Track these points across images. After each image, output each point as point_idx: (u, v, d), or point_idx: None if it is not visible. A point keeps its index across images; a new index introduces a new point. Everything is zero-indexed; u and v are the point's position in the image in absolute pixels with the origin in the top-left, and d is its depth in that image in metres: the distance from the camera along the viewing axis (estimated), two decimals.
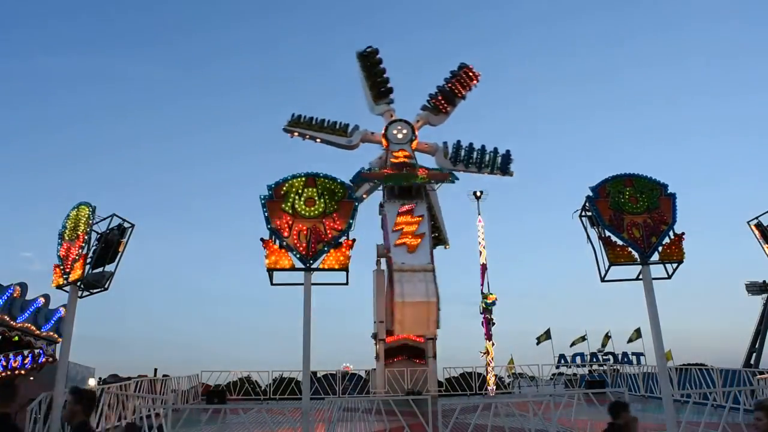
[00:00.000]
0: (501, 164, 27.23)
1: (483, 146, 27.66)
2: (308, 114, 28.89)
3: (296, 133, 28.26)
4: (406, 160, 26.01)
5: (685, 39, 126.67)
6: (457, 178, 25.74)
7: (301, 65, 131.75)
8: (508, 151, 27.59)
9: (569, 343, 36.78)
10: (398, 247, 19.32)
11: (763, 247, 13.45)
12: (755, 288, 46.41)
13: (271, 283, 11.70)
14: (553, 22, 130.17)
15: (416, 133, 28.31)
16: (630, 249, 11.57)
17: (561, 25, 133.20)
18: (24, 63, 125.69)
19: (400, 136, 27.94)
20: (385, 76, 29.53)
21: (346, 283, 11.52)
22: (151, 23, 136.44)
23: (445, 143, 28.35)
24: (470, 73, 29.91)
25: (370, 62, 29.43)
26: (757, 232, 13.54)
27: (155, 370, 31.51)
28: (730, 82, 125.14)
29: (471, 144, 27.69)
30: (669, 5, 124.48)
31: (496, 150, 27.66)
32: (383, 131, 28.48)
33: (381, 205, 25.51)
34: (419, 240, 19.54)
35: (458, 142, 27.71)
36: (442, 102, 29.29)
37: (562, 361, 35.16)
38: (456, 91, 29.49)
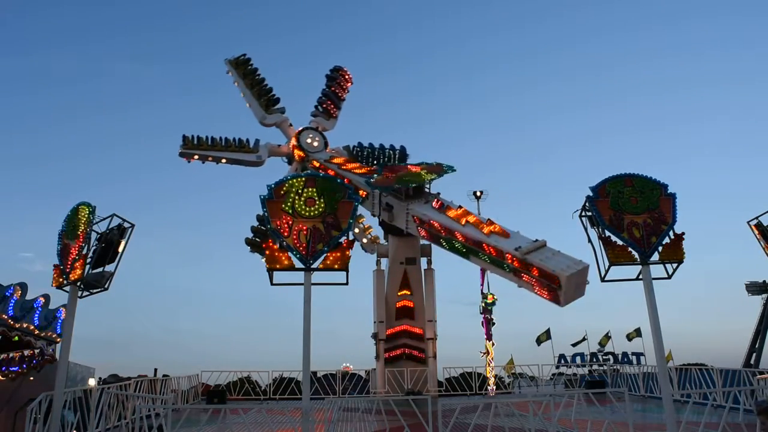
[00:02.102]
0: (398, 159, 27.67)
1: (381, 144, 28.12)
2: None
3: (195, 157, 25.70)
4: (351, 165, 26.29)
5: (687, 32, 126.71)
6: (455, 169, 25.62)
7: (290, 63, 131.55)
8: (402, 147, 28.34)
9: (570, 344, 36.87)
10: (492, 237, 19.79)
11: (763, 247, 13.45)
12: (755, 288, 46.38)
13: (271, 283, 11.72)
14: (549, 16, 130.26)
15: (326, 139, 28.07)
16: (630, 249, 11.59)
17: (557, 20, 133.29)
18: (23, 59, 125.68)
19: (315, 144, 27.25)
20: (266, 84, 28.21)
21: (346, 283, 11.54)
22: (129, 16, 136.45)
23: (346, 146, 28.35)
24: (346, 76, 29.96)
25: (245, 70, 28.10)
26: (757, 232, 13.55)
27: (155, 370, 31.48)
28: (731, 82, 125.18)
29: (371, 143, 28.08)
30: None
31: (392, 147, 28.10)
32: (295, 141, 27.35)
33: (388, 209, 25.04)
34: (496, 225, 20.33)
35: (359, 143, 28.20)
36: (332, 106, 29.20)
37: (562, 361, 35.19)
38: (339, 93, 29.53)
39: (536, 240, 19.20)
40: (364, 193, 24.97)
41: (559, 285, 17.58)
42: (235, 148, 26.28)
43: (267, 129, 28.33)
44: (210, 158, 25.97)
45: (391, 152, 28.04)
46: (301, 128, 27.89)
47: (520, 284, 19.58)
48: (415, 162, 25.88)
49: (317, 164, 26.80)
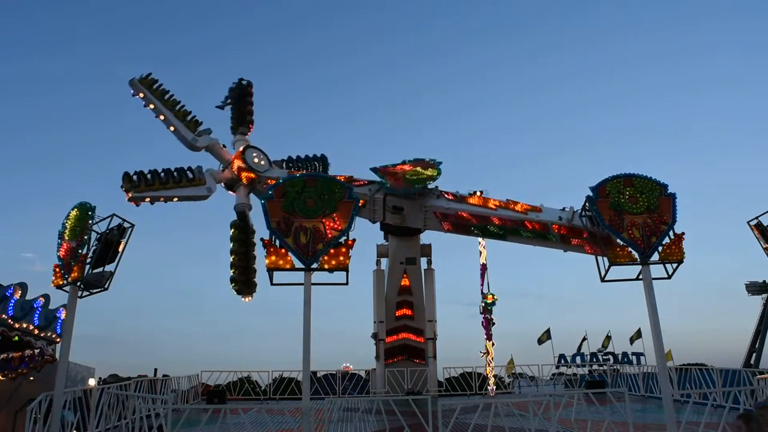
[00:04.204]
0: (322, 168, 28.30)
1: (306, 155, 28.69)
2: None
3: (147, 199, 22.95)
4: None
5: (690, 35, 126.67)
6: (440, 162, 25.66)
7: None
8: (323, 155, 29.22)
9: (570, 344, 36.88)
10: (530, 214, 21.71)
11: (763, 247, 13.47)
12: (755, 288, 46.37)
13: (272, 283, 11.73)
14: (553, 19, 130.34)
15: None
16: (630, 249, 11.60)
17: (558, 23, 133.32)
18: (21, 62, 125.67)
19: (262, 163, 25.60)
20: (183, 106, 25.05)
21: (346, 283, 11.55)
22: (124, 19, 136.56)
23: (277, 161, 28.02)
24: (252, 91, 28.44)
25: (157, 91, 24.70)
26: (757, 232, 13.56)
27: (155, 370, 31.47)
28: (733, 81, 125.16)
29: (298, 155, 28.48)
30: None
31: (315, 156, 28.80)
32: (241, 163, 25.29)
33: (397, 212, 24.78)
34: (526, 205, 22.07)
35: (289, 156, 28.41)
36: (252, 125, 27.76)
37: (562, 361, 35.17)
38: (252, 110, 28.31)
39: (564, 209, 20.77)
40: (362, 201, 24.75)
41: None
42: (186, 182, 23.79)
43: (195, 154, 25.24)
44: (162, 198, 23.35)
45: (315, 162, 28.27)
46: (242, 147, 25.99)
47: (567, 249, 20.79)
48: (399, 162, 25.79)
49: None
